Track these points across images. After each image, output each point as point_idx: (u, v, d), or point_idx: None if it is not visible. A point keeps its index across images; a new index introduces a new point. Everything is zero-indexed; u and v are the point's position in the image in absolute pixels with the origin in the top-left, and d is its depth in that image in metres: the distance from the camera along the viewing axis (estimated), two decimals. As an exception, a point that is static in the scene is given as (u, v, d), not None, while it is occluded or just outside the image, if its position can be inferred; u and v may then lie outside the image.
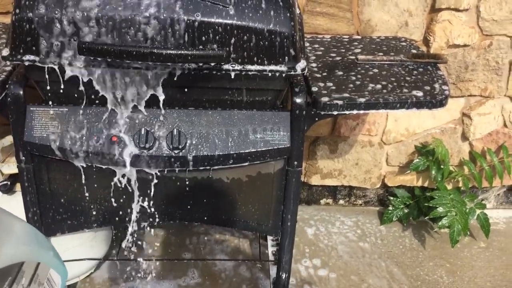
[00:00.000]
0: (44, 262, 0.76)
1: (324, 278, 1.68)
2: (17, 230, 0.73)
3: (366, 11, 1.62)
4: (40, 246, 0.77)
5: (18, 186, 1.32)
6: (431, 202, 1.78)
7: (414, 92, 1.18)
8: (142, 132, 1.11)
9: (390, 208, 1.94)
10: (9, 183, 1.33)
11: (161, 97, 1.09)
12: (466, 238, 1.90)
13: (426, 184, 1.97)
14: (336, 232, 1.90)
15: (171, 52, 0.96)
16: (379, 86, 1.20)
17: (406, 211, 1.93)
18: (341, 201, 2.05)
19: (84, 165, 1.14)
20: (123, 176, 1.16)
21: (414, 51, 1.40)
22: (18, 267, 0.70)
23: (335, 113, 1.14)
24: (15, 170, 1.19)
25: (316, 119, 1.20)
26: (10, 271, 0.69)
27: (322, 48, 1.42)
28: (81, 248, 1.50)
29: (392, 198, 1.96)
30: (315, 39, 1.50)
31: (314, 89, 1.17)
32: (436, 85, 1.22)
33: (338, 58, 1.35)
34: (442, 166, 1.84)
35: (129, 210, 1.24)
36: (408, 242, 1.87)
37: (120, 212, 1.24)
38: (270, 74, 1.06)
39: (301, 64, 1.07)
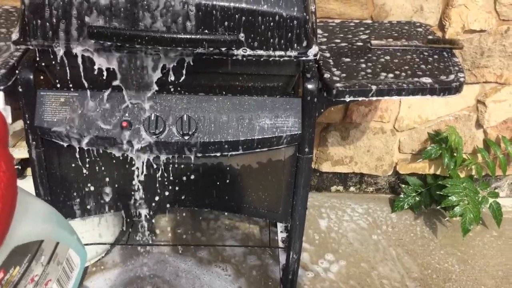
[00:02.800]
0: (64, 242, 0.77)
1: (333, 265, 1.68)
2: (36, 208, 0.74)
3: (380, -5, 1.59)
4: (59, 226, 0.78)
5: (29, 171, 1.33)
6: (444, 191, 1.76)
7: (429, 79, 1.16)
8: (152, 118, 1.11)
9: (402, 195, 1.92)
10: (20, 167, 1.34)
11: (171, 82, 1.08)
12: (478, 226, 1.88)
13: (438, 172, 1.95)
14: (346, 220, 1.89)
15: (182, 36, 0.95)
16: (392, 73, 1.18)
17: (417, 199, 1.91)
18: (352, 188, 2.04)
19: (94, 150, 1.14)
20: (133, 161, 1.16)
21: (430, 37, 1.37)
22: (37, 245, 0.71)
23: (347, 99, 1.13)
24: (26, 155, 1.19)
25: (328, 105, 1.18)
26: (30, 248, 0.69)
27: (326, 34, 1.40)
28: (91, 232, 1.51)
29: (403, 185, 1.94)
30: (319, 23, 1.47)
31: (326, 75, 1.15)
32: (452, 72, 1.19)
33: (346, 44, 1.33)
34: (455, 154, 1.82)
35: (139, 196, 1.24)
36: (419, 230, 1.86)
37: (130, 198, 1.24)
38: (281, 60, 1.05)
39: (313, 49, 1.05)
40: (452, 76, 1.18)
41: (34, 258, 0.70)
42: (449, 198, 1.74)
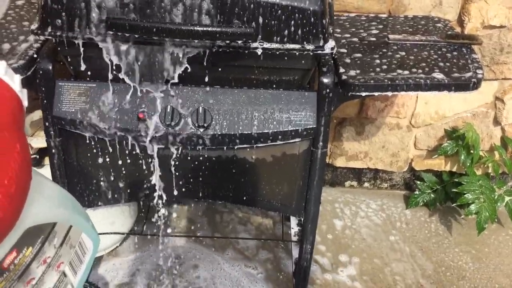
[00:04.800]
0: (77, 226, 0.78)
1: (346, 260, 1.67)
2: (51, 191, 0.75)
3: (398, -10, 1.58)
4: (73, 210, 0.79)
5: (46, 160, 1.35)
6: (459, 188, 1.74)
7: (446, 75, 1.14)
8: (168, 110, 1.11)
9: (417, 192, 1.91)
10: (38, 156, 1.36)
11: (187, 74, 1.08)
12: (494, 225, 1.86)
13: (454, 169, 1.93)
14: (360, 215, 1.88)
15: (199, 29, 0.95)
16: (408, 68, 1.17)
17: (433, 196, 1.90)
18: (366, 184, 2.03)
19: (111, 141, 1.16)
20: (149, 152, 1.17)
21: (449, 32, 1.35)
22: (50, 227, 0.72)
23: (363, 94, 1.12)
24: (44, 144, 1.21)
25: (343, 100, 1.18)
26: (43, 230, 0.70)
27: (339, 30, 1.38)
28: (107, 222, 1.53)
29: (419, 182, 1.93)
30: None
31: (342, 69, 1.15)
32: (470, 69, 1.18)
33: (360, 39, 1.32)
34: (472, 151, 1.80)
35: (153, 187, 1.25)
36: (433, 227, 1.85)
37: (145, 188, 1.26)
38: (298, 53, 1.04)
39: (330, 43, 1.05)
40: (470, 73, 1.16)
41: (47, 240, 0.71)
42: (465, 195, 1.73)
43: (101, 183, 1.25)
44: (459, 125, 1.83)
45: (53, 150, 1.18)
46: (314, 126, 1.14)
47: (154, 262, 1.61)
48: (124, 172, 1.23)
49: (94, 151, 1.19)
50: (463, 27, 1.63)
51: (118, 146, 1.17)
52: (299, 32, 1.01)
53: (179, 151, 1.17)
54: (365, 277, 1.61)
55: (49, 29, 1.01)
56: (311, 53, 1.05)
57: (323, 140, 1.17)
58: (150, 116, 1.11)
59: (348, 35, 1.34)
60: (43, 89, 1.11)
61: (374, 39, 1.31)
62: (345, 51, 1.25)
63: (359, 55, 1.23)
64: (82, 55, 1.06)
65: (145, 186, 1.25)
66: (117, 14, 0.98)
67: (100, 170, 1.23)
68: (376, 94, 1.13)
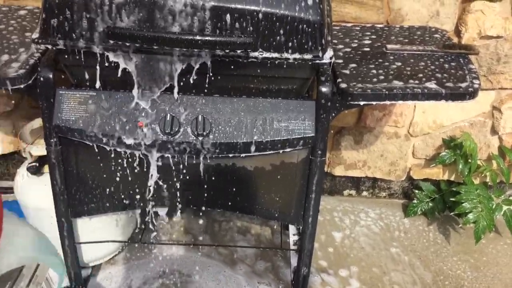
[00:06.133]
0: (44, 263, 0.78)
1: (344, 269, 1.67)
2: (22, 239, 0.75)
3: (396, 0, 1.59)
4: (42, 250, 0.79)
5: (46, 168, 1.35)
6: (457, 197, 1.75)
7: (443, 84, 1.15)
8: (168, 118, 1.12)
9: (415, 201, 1.91)
10: (37, 164, 1.36)
11: (187, 83, 1.09)
12: (492, 234, 1.86)
13: (452, 178, 1.94)
14: (358, 224, 1.88)
15: (198, 38, 0.96)
16: (406, 78, 1.18)
17: (431, 205, 1.90)
18: (365, 193, 2.03)
19: (111, 149, 1.16)
20: (148, 161, 1.18)
21: (447, 42, 1.37)
22: (18, 271, 0.72)
23: (361, 103, 1.13)
24: (44, 152, 1.21)
25: (342, 109, 1.19)
26: (11, 276, 0.71)
27: (335, 41, 1.40)
28: (105, 230, 1.52)
29: (417, 191, 1.93)
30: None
31: (340, 79, 1.16)
32: (467, 79, 1.19)
33: (357, 49, 1.33)
34: (469, 160, 1.81)
35: (152, 195, 1.25)
36: (432, 236, 1.85)
37: (144, 197, 1.26)
38: (296, 63, 1.05)
39: (329, 53, 1.06)
40: (467, 83, 1.17)
41: (14, 284, 0.71)
42: (463, 204, 1.73)
43: (101, 191, 1.26)
44: (456, 134, 1.84)
45: (53, 158, 1.19)
46: (312, 134, 1.15)
47: (152, 272, 1.60)
48: (123, 180, 1.24)
49: (94, 159, 1.20)
50: (460, 37, 1.65)
51: (118, 155, 1.18)
52: (298, 42, 1.02)
53: (179, 159, 1.18)
54: (364, 287, 1.61)
55: (50, 38, 1.02)
56: (310, 63, 1.06)
57: (321, 148, 1.18)
58: (150, 125, 1.12)
59: (342, 46, 1.35)
60: (44, 97, 1.12)
61: (368, 49, 1.33)
62: (342, 61, 1.26)
63: (355, 65, 1.24)
64: (82, 64, 1.07)
65: (143, 195, 1.26)
66: (117, 24, 0.98)
67: (100, 179, 1.23)
68: (374, 103, 1.14)
